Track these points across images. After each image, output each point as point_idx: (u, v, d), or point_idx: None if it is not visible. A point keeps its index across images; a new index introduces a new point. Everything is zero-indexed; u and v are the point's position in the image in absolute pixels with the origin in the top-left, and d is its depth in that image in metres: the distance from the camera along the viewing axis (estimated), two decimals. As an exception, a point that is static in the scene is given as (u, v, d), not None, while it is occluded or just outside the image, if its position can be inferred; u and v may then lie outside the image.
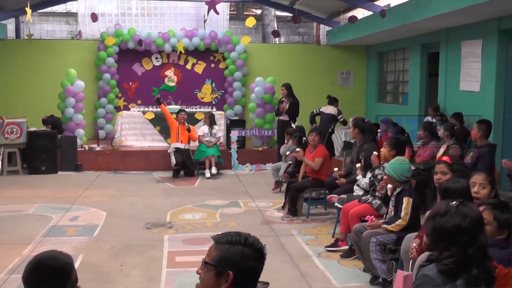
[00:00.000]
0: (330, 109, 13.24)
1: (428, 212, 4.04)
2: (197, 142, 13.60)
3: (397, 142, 7.48)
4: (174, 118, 13.49)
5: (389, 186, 6.53)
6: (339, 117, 13.15)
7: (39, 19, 20.51)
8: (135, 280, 6.46)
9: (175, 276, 6.57)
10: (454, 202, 3.03)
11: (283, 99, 13.69)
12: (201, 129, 13.68)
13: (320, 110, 13.39)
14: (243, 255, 2.33)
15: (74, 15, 21.61)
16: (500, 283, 3.36)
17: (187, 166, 13.27)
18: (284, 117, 13.53)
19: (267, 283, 2.54)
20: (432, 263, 2.93)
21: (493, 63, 10.69)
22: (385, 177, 6.74)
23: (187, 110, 14.61)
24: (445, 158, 6.10)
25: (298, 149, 9.84)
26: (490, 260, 2.99)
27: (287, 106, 13.42)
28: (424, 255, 4.10)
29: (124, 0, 18.02)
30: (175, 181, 12.80)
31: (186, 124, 13.34)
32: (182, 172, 13.36)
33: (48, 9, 19.45)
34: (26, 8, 11.14)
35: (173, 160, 12.90)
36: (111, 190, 11.62)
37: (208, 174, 13.13)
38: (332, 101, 13.75)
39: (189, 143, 13.44)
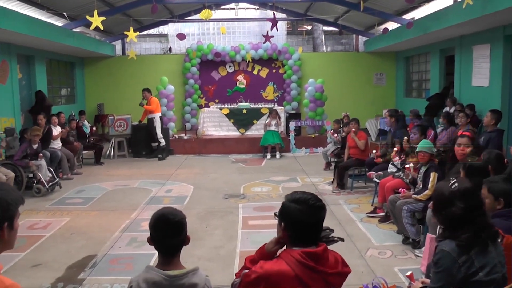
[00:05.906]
0: None
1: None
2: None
3: (423, 128, 7.64)
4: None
5: (411, 165, 6.57)
6: None
7: (139, 39, 20.90)
8: (217, 238, 6.52)
9: (248, 235, 6.60)
10: (451, 183, 2.74)
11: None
12: (268, 121, 13.60)
13: None
14: (293, 210, 2.33)
15: (165, 36, 22.01)
16: (506, 251, 3.05)
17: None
18: None
19: (332, 230, 2.50)
20: (447, 239, 2.68)
21: (499, 63, 10.35)
22: (407, 166, 6.67)
23: (254, 106, 14.64)
24: (467, 133, 5.88)
25: (353, 129, 9.33)
26: (487, 216, 2.77)
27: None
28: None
29: (204, 22, 18.14)
30: (246, 162, 12.82)
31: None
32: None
33: (145, 32, 19.80)
34: (125, 32, 11.30)
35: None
36: (196, 169, 11.75)
37: (269, 156, 13.19)
38: None
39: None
